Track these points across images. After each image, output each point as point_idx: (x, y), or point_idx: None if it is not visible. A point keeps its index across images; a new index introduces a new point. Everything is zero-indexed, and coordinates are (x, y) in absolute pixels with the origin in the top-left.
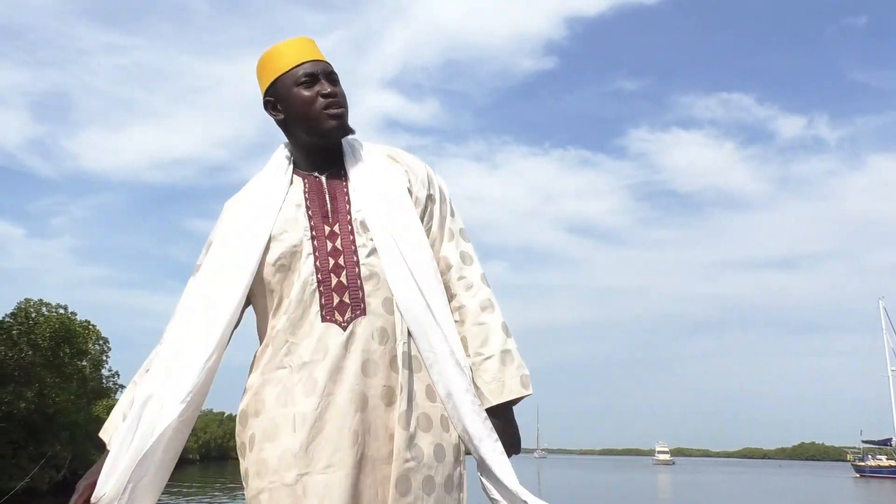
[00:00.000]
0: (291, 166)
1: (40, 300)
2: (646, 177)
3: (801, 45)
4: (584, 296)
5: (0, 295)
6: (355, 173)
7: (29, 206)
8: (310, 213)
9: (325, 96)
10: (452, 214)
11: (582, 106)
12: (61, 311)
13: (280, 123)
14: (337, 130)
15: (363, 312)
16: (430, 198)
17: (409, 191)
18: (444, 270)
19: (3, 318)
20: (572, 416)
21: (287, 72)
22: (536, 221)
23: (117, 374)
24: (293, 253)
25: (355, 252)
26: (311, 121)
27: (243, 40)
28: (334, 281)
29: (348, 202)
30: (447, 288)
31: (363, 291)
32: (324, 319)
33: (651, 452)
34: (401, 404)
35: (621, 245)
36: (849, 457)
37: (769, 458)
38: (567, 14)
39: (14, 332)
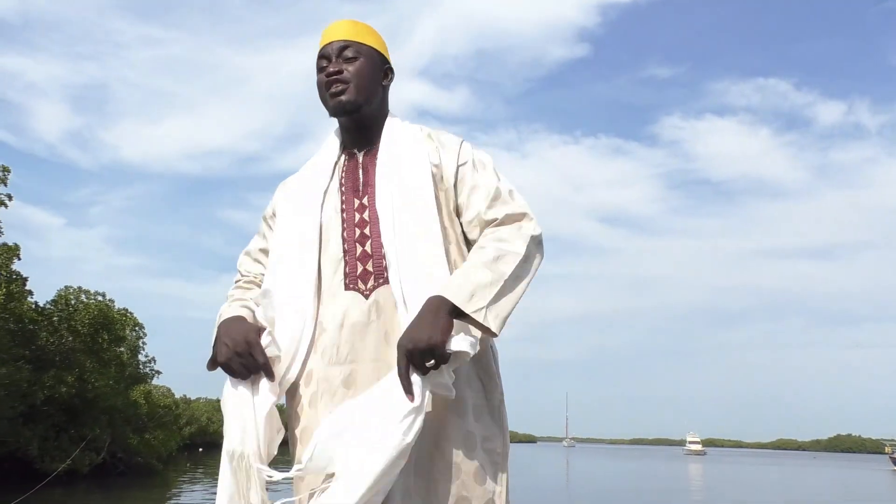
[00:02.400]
0: (339, 144)
1: (80, 288)
2: (679, 165)
3: (842, 29)
4: (616, 285)
5: (41, 282)
6: (385, 148)
7: (68, 197)
8: (343, 188)
9: (327, 76)
10: (497, 178)
11: (614, 93)
12: (100, 298)
13: None
14: (337, 108)
15: (386, 281)
16: (463, 166)
17: (437, 165)
18: (481, 228)
19: (45, 305)
20: (602, 404)
21: (316, 59)
22: (567, 210)
23: (153, 359)
24: (326, 227)
25: (380, 223)
26: (323, 102)
27: (275, 31)
28: (359, 250)
29: (375, 177)
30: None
31: (387, 261)
32: (347, 288)
33: (682, 443)
34: None
35: (653, 234)
36: (887, 449)
37: (803, 450)
38: (600, 0)
39: (55, 318)
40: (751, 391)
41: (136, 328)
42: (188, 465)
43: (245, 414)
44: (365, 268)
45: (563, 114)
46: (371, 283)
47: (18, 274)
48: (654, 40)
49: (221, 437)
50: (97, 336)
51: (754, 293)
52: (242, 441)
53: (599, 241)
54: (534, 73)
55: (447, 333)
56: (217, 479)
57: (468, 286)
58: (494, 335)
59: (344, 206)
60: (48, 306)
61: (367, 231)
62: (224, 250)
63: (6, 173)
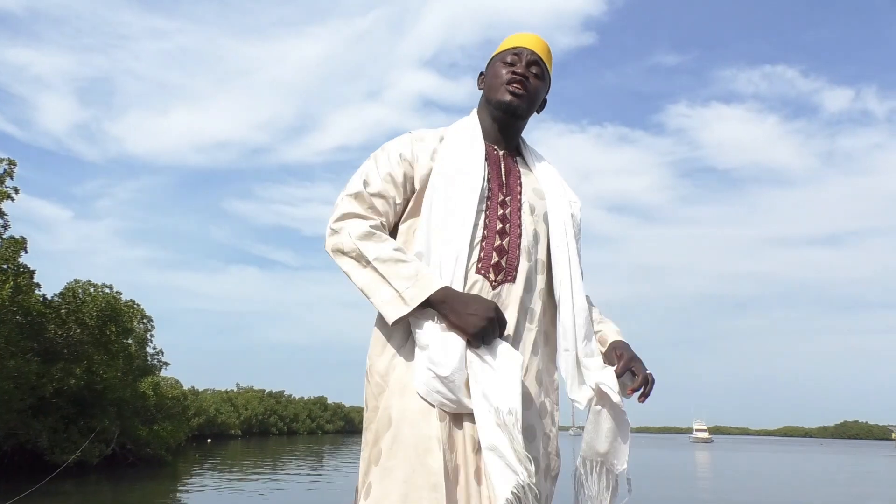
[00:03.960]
0: (481, 135)
1: (88, 280)
2: (685, 153)
3: (850, 15)
4: (623, 273)
5: (49, 275)
6: (531, 162)
7: (75, 189)
8: (488, 177)
9: (514, 73)
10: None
11: (620, 82)
12: (107, 290)
13: (481, 96)
14: (508, 105)
15: (513, 280)
16: (579, 228)
17: (578, 212)
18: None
19: (53, 297)
20: None
21: (501, 52)
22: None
23: (161, 351)
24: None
25: (520, 226)
26: (492, 90)
27: (283, 21)
28: (497, 242)
29: (520, 183)
30: None
31: (518, 262)
32: (478, 272)
33: (689, 430)
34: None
35: (660, 222)
36: (893, 435)
37: (810, 437)
38: None
39: (63, 311)
40: (757, 378)
41: (144, 320)
42: (197, 455)
43: (507, 370)
44: (499, 261)
45: (569, 102)
46: (501, 276)
47: (26, 267)
48: (660, 28)
49: (229, 427)
50: (105, 328)
51: (761, 281)
52: (510, 398)
53: (607, 229)
54: None
55: None
56: (222, 469)
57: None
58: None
59: (490, 195)
60: (56, 299)
61: (507, 228)
62: (231, 242)
63: (12, 166)
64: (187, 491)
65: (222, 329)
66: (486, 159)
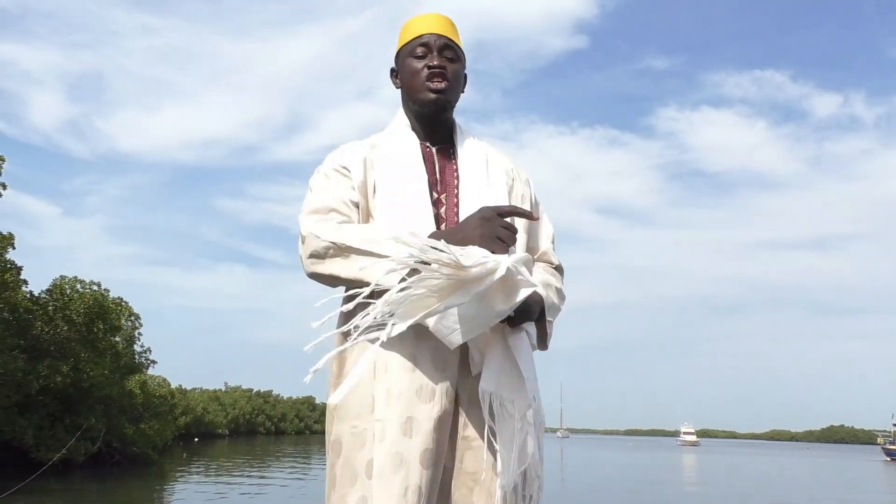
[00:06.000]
0: (413, 133)
1: (75, 277)
2: (675, 156)
3: (838, 21)
4: (612, 276)
5: (36, 272)
6: (465, 152)
7: (64, 186)
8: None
9: (430, 68)
10: (548, 221)
11: (610, 85)
12: (95, 287)
13: (401, 93)
14: (433, 102)
15: None
16: (527, 197)
17: (511, 186)
18: (541, 261)
19: (40, 294)
20: (597, 395)
21: (407, 43)
22: (564, 201)
23: (149, 349)
24: None
25: (457, 222)
26: (413, 91)
27: (275, 20)
28: None
29: (456, 177)
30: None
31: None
32: None
33: (676, 433)
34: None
35: (650, 225)
36: (879, 440)
37: (797, 441)
38: None
39: (50, 308)
40: (745, 382)
41: (132, 318)
42: (184, 455)
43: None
44: None
45: (559, 105)
46: None
47: (13, 263)
48: (650, 32)
49: (216, 427)
50: (92, 326)
51: (749, 284)
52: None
53: (596, 231)
54: (531, 65)
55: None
56: (208, 469)
57: (552, 298)
58: (545, 348)
59: None
60: (43, 296)
61: (442, 227)
62: (221, 240)
63: (1, 162)
64: (173, 490)
65: (211, 328)
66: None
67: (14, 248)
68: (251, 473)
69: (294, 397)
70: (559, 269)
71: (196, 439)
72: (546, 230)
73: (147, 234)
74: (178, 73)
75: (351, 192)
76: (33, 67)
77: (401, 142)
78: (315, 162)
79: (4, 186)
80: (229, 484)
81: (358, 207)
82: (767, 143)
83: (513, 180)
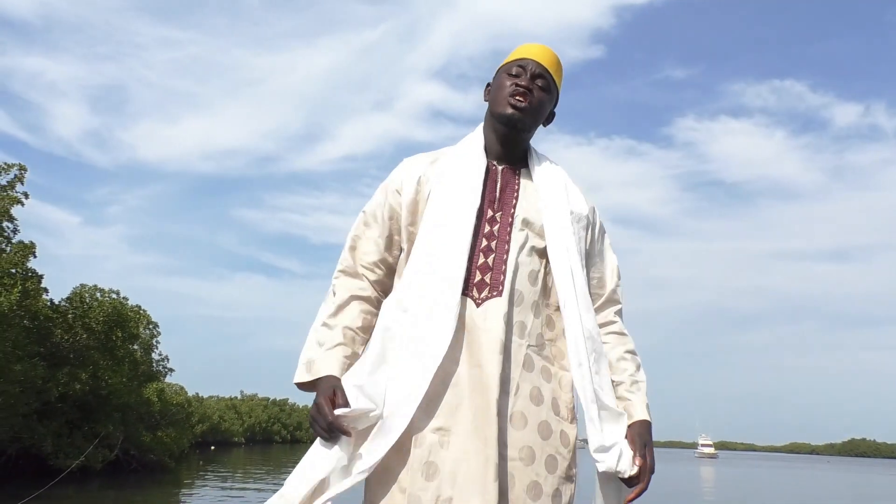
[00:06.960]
0: (483, 151)
1: (94, 286)
2: (693, 166)
3: (859, 30)
4: (629, 287)
5: (57, 280)
6: (541, 174)
7: (86, 195)
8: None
9: (517, 85)
10: (612, 251)
11: (628, 95)
12: (114, 296)
13: (487, 107)
14: (508, 118)
15: (500, 294)
16: (592, 225)
17: (587, 216)
18: (606, 302)
19: (60, 302)
20: None
21: (508, 62)
22: None
23: (167, 358)
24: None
25: (508, 241)
26: (495, 103)
27: (293, 32)
28: (481, 260)
29: (516, 197)
30: (597, 305)
31: (504, 277)
32: (462, 293)
33: (694, 445)
34: (510, 394)
35: (667, 236)
36: None
37: (817, 454)
38: (616, 2)
39: (70, 316)
40: (764, 394)
41: (150, 326)
42: (200, 462)
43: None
44: (482, 278)
45: (576, 115)
46: (484, 293)
47: (34, 272)
48: (669, 42)
49: (232, 435)
50: (111, 334)
51: (768, 295)
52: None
53: (613, 241)
54: None
55: None
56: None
57: (644, 394)
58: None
59: (479, 214)
60: (63, 304)
61: (493, 245)
62: (238, 249)
63: (23, 172)
64: (190, 498)
65: (228, 336)
66: (485, 176)
67: (35, 257)
68: (267, 481)
69: (310, 406)
70: (620, 312)
71: (212, 447)
72: (611, 262)
73: (166, 243)
74: (198, 84)
75: (385, 227)
76: (58, 79)
77: (464, 157)
78: (332, 172)
79: (27, 196)
80: (244, 490)
81: (391, 236)
82: (787, 152)
83: (585, 206)
